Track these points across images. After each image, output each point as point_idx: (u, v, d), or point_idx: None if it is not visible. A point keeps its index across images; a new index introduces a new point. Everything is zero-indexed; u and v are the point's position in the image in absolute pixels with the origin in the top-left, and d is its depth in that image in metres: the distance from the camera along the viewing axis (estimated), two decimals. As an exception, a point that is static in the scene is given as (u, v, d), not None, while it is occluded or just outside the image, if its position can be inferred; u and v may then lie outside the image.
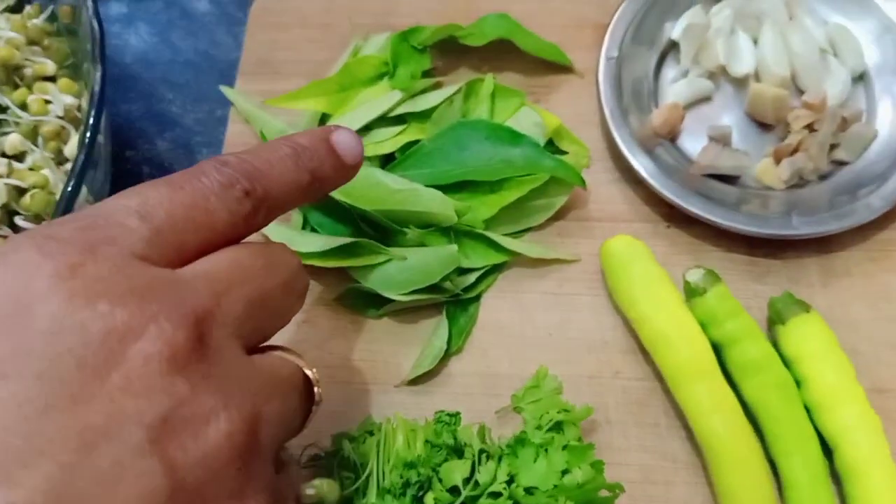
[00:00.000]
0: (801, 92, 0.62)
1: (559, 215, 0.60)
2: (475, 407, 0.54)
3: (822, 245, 0.58)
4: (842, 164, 0.60)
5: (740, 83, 0.63)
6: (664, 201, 0.58)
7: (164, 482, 0.25)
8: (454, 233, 0.57)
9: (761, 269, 0.58)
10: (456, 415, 0.51)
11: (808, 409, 0.52)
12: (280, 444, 0.34)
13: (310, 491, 0.42)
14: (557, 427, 0.50)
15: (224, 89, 0.64)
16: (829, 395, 0.51)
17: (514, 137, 0.59)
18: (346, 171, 0.39)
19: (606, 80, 0.61)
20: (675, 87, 0.62)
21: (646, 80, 0.63)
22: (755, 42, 0.63)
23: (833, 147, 0.60)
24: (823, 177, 0.60)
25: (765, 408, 0.51)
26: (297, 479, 0.45)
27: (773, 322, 0.54)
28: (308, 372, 0.36)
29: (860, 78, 0.62)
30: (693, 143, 0.61)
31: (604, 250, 0.57)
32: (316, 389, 0.36)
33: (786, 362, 0.53)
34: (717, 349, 0.53)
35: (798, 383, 0.52)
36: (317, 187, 0.37)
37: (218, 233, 0.32)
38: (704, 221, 0.57)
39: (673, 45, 0.64)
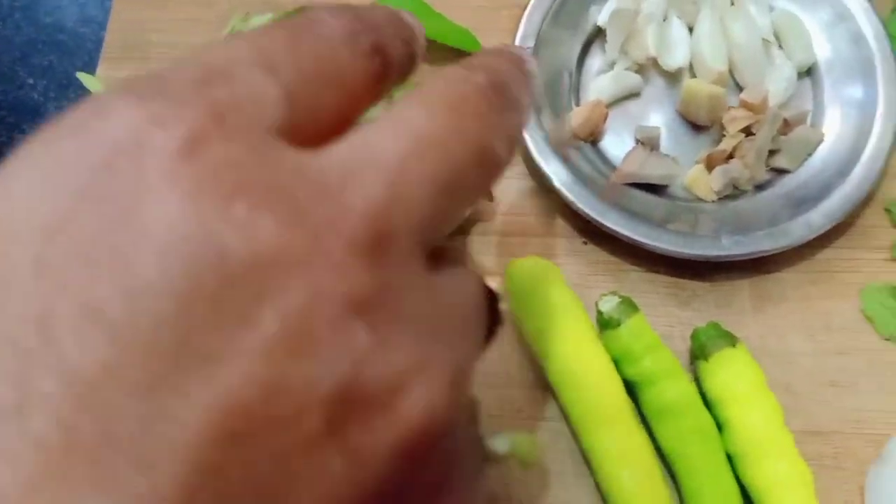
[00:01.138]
0: (741, 89, 0.54)
1: (466, 230, 0.53)
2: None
3: (755, 266, 0.51)
4: (783, 172, 0.53)
5: (673, 77, 0.56)
6: (581, 214, 0.51)
7: (345, 487, 0.17)
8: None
9: (687, 293, 0.51)
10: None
11: (731, 459, 0.46)
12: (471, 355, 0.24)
13: (503, 445, 0.32)
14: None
15: (82, 76, 0.56)
16: (753, 444, 0.45)
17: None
18: (527, 81, 0.27)
19: (520, 73, 0.53)
20: (599, 82, 0.55)
21: (566, 72, 0.56)
22: (691, 31, 0.56)
23: (773, 153, 0.53)
24: (762, 187, 0.53)
25: (681, 458, 0.45)
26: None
27: (696, 356, 0.48)
28: (492, 284, 0.26)
29: (808, 73, 0.55)
30: (618, 146, 0.54)
31: (508, 273, 0.49)
32: (502, 307, 0.26)
33: (708, 403, 0.47)
34: (633, 388, 0.47)
35: (721, 427, 0.46)
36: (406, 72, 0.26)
37: (354, 98, 0.22)
38: (624, 239, 0.50)
39: (599, 33, 0.56)
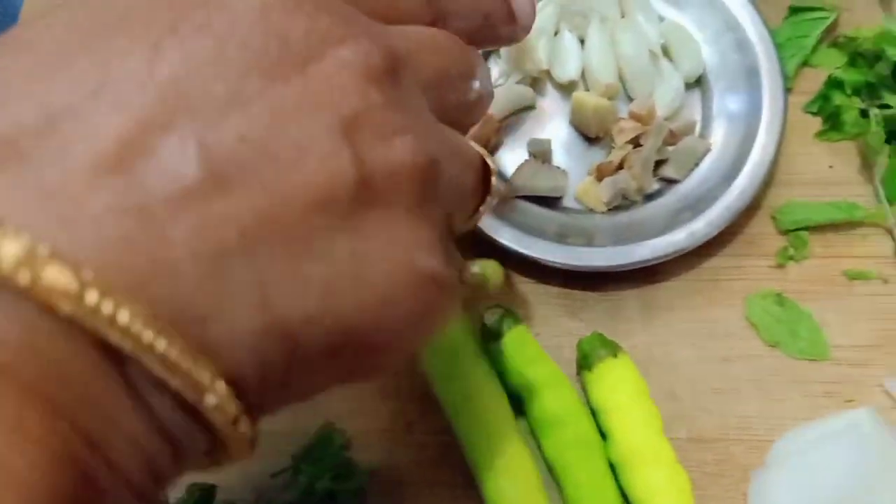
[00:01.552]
0: (633, 100, 0.55)
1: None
2: (250, 471, 0.48)
3: (644, 275, 0.52)
4: (672, 182, 0.54)
5: (567, 90, 0.56)
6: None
7: (351, 170, 0.24)
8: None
9: (577, 304, 0.52)
10: (210, 488, 0.45)
11: (614, 468, 0.46)
12: (451, 217, 0.31)
13: (475, 269, 0.39)
14: (331, 498, 0.44)
15: None
16: (633, 453, 0.46)
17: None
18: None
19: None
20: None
21: (461, 86, 0.56)
22: (583, 43, 0.56)
23: (662, 163, 0.54)
24: (652, 197, 0.54)
25: (563, 468, 0.46)
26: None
27: (580, 367, 0.49)
28: (488, 161, 0.33)
29: (698, 83, 0.56)
30: (512, 158, 0.55)
31: (397, 287, 0.50)
32: (493, 179, 0.34)
33: (595, 413, 0.48)
34: (519, 400, 0.48)
35: (605, 436, 0.47)
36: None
37: (400, 10, 0.30)
38: (513, 253, 0.51)
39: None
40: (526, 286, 0.52)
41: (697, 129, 0.55)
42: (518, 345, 0.47)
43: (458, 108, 0.31)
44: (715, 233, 0.50)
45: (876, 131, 0.51)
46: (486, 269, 0.39)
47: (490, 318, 0.48)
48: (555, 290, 0.52)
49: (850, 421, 0.45)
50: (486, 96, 0.33)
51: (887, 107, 0.52)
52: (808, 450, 0.45)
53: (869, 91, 0.53)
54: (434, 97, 0.29)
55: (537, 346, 0.48)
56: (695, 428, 0.49)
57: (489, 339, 0.48)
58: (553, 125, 0.56)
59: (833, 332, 0.50)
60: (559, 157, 0.55)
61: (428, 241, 0.26)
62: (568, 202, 0.54)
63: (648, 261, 0.50)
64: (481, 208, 0.34)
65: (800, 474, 0.45)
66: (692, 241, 0.50)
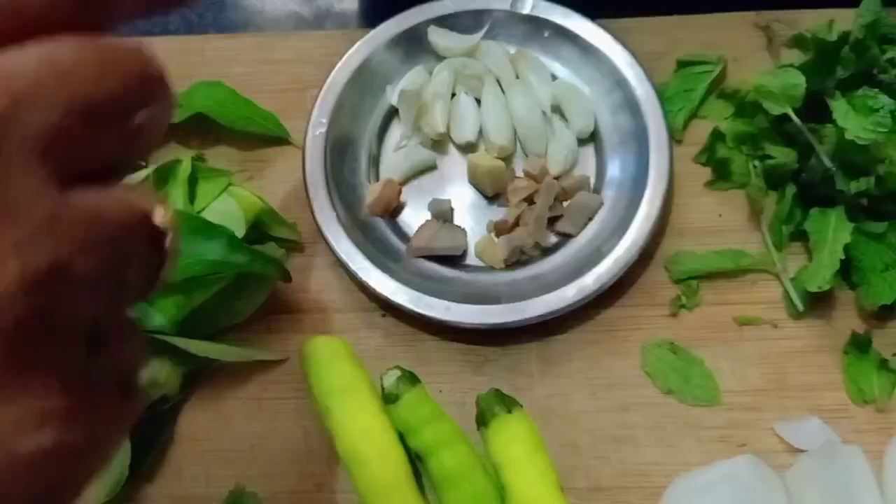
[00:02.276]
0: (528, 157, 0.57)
1: (267, 308, 0.55)
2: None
3: (543, 329, 0.54)
4: (568, 236, 0.56)
5: (467, 150, 0.58)
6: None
7: None
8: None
9: (480, 359, 0.54)
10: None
11: (513, 521, 0.48)
12: (106, 310, 0.24)
13: (147, 375, 0.32)
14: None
15: None
16: (529, 507, 0.47)
17: (208, 230, 0.53)
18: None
19: (314, 155, 0.56)
20: (393, 160, 0.57)
21: (364, 150, 0.58)
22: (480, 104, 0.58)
23: (557, 219, 0.56)
24: (550, 251, 0.56)
25: (462, 524, 0.47)
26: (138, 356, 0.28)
27: (478, 423, 0.50)
28: (157, 216, 0.24)
29: (592, 139, 0.58)
30: (417, 218, 0.57)
31: (303, 352, 0.52)
32: (167, 239, 0.24)
33: (495, 468, 0.49)
34: (420, 459, 0.49)
35: (504, 491, 0.48)
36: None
37: (28, 17, 0.22)
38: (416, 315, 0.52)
39: (397, 110, 0.59)
40: (431, 343, 0.54)
41: (592, 183, 0.57)
42: (415, 406, 0.49)
43: (110, 149, 0.23)
44: (604, 288, 0.52)
45: (755, 183, 0.53)
46: (161, 371, 0.32)
47: (388, 380, 0.49)
48: (459, 346, 0.54)
49: (728, 469, 0.47)
50: (156, 124, 0.23)
51: (769, 157, 0.54)
52: (693, 497, 0.47)
53: (752, 142, 0.55)
54: (76, 139, 0.21)
55: (434, 405, 0.50)
56: (593, 477, 0.50)
57: (387, 402, 0.49)
58: (455, 185, 0.58)
59: (725, 378, 0.52)
60: (461, 216, 0.57)
61: (25, 416, 0.20)
62: (470, 260, 0.56)
63: (542, 316, 0.51)
64: (157, 280, 0.25)
65: (686, 521, 0.46)
66: (582, 295, 0.52)
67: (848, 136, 0.49)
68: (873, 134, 0.48)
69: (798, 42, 0.59)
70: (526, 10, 0.59)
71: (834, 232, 0.51)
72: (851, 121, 0.49)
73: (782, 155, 0.53)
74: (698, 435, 0.51)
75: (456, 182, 0.58)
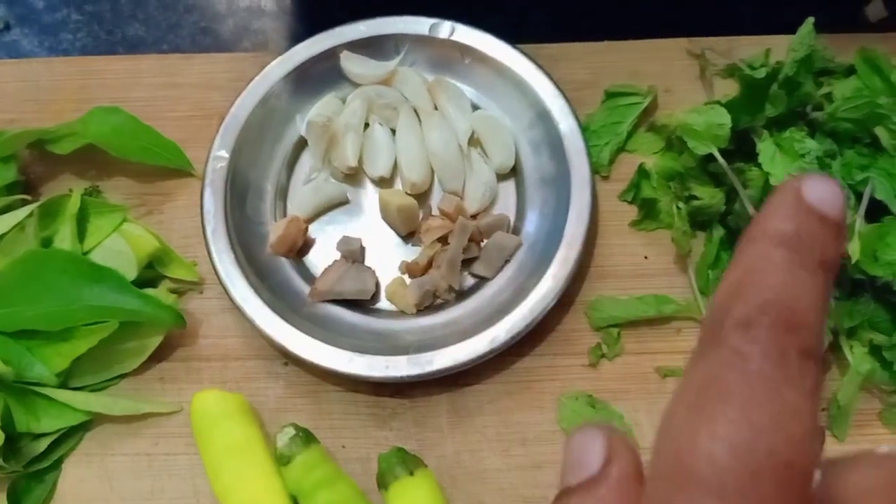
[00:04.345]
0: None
1: (161, 355, 0.51)
2: None
3: (453, 380, 0.50)
4: (485, 279, 0.52)
5: (383, 184, 0.55)
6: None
7: None
8: (11, 391, 0.48)
9: (387, 412, 0.50)
10: None
11: (412, 591, 0.45)
12: None
13: None
14: None
15: None
16: (428, 579, 0.44)
17: (94, 273, 0.49)
18: (841, 234, 0.23)
19: (214, 191, 0.52)
20: (301, 195, 0.54)
21: (270, 184, 0.54)
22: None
23: (472, 261, 0.52)
24: (466, 294, 0.52)
25: None
26: None
27: (380, 485, 0.47)
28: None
29: (513, 173, 0.55)
30: (326, 258, 0.53)
31: (192, 407, 0.48)
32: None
33: (395, 532, 0.46)
34: (316, 523, 0.46)
35: (404, 559, 0.45)
36: (833, 277, 0.23)
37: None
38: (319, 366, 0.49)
39: (307, 142, 0.55)
40: (335, 394, 0.51)
41: (512, 222, 0.54)
42: (309, 468, 0.45)
43: None
44: (517, 338, 0.49)
45: (679, 226, 0.50)
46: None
47: (281, 440, 0.46)
48: (365, 398, 0.51)
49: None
50: None
51: (695, 198, 0.51)
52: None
53: (679, 180, 0.52)
54: None
55: (331, 466, 0.46)
56: (502, 541, 0.47)
57: (281, 463, 0.46)
58: (370, 221, 0.54)
59: (645, 434, 0.49)
60: (373, 256, 0.53)
61: None
62: (383, 303, 0.52)
63: (450, 369, 0.48)
64: None
65: None
66: (493, 346, 0.48)
67: (773, 181, 0.46)
68: (798, 181, 0.45)
69: (731, 72, 0.56)
70: (445, 35, 0.55)
71: (759, 281, 0.48)
72: (778, 165, 0.46)
73: (709, 196, 0.50)
74: (614, 495, 0.48)
75: (371, 218, 0.54)
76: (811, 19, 0.49)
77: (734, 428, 0.19)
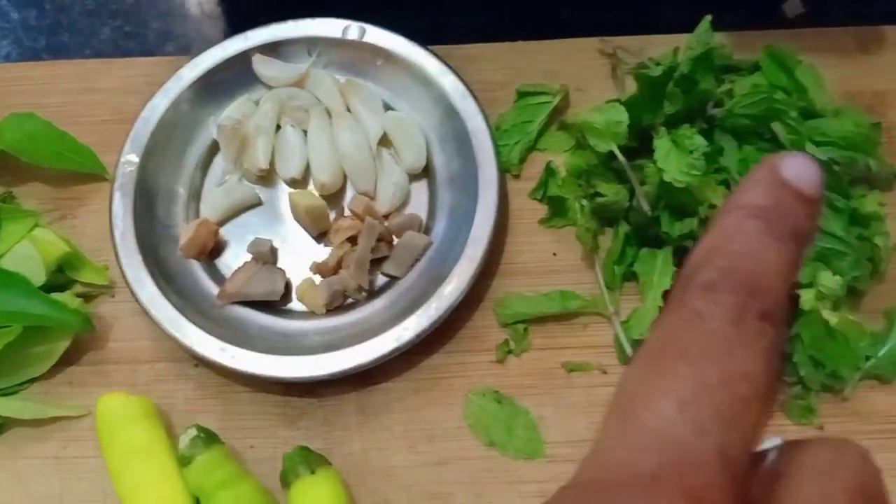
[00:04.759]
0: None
1: (71, 359, 0.51)
2: None
3: (362, 378, 0.51)
4: (396, 278, 0.53)
5: (297, 185, 0.55)
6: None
7: None
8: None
9: (296, 412, 0.51)
10: None
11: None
12: None
13: None
14: None
15: None
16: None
17: (2, 278, 0.49)
18: (816, 209, 0.24)
19: (123, 195, 0.52)
20: (212, 197, 0.54)
21: (183, 187, 0.55)
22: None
23: (382, 260, 0.53)
24: (377, 293, 0.53)
25: None
26: None
27: (283, 484, 0.47)
28: None
29: (425, 173, 0.55)
30: (238, 260, 0.53)
31: (97, 410, 0.48)
32: None
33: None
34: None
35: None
36: (803, 250, 0.24)
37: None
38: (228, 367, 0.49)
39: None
40: (244, 395, 0.51)
41: (424, 221, 0.54)
42: (210, 468, 0.46)
43: None
44: (423, 336, 0.49)
45: (583, 222, 0.51)
46: None
47: (183, 441, 0.46)
48: (274, 398, 0.51)
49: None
50: None
51: (600, 195, 0.52)
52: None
53: (586, 177, 0.53)
54: None
55: (233, 467, 0.46)
56: (408, 537, 0.48)
57: (182, 464, 0.46)
58: (283, 223, 0.55)
59: (550, 429, 0.50)
60: (287, 257, 0.54)
61: None
62: (295, 304, 0.53)
63: (357, 368, 0.48)
64: None
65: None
66: (399, 344, 0.49)
67: (666, 177, 0.46)
68: (688, 177, 0.45)
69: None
70: (356, 37, 0.56)
71: (658, 276, 0.49)
72: (671, 162, 0.47)
73: (612, 193, 0.51)
74: (519, 490, 0.49)
75: (285, 220, 0.55)
76: (708, 17, 0.50)
77: (683, 384, 0.20)
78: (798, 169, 0.23)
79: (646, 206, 0.48)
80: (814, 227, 0.24)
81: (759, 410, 0.20)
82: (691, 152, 0.45)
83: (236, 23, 0.66)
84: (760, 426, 0.21)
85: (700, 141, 0.46)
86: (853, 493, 0.21)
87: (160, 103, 0.54)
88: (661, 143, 0.48)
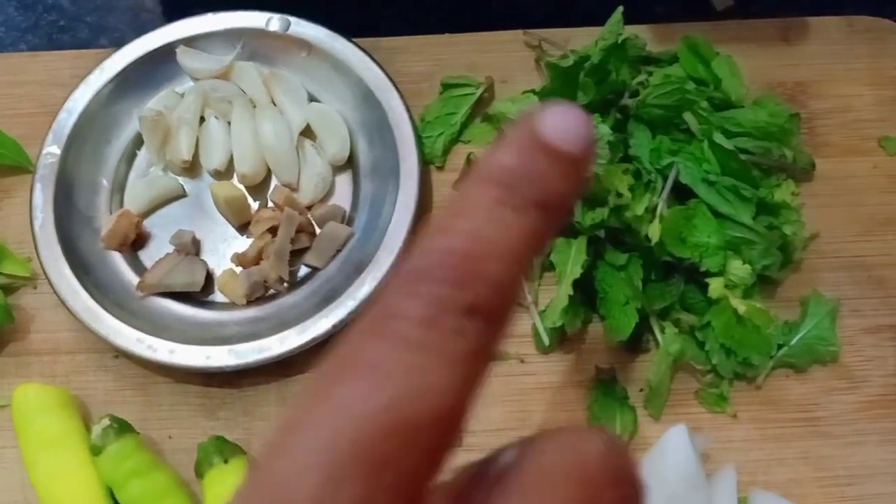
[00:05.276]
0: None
1: None
2: None
3: (282, 369, 0.51)
4: (318, 269, 0.53)
5: (222, 177, 0.55)
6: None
7: None
8: None
9: (216, 402, 0.51)
10: None
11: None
12: None
13: None
14: None
15: None
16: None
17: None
18: (577, 169, 0.19)
19: (44, 186, 0.52)
20: (133, 190, 0.54)
21: (107, 178, 0.55)
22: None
23: (305, 251, 0.53)
24: (299, 284, 0.53)
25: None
26: None
27: (197, 473, 0.48)
28: None
29: (350, 165, 0.56)
30: (162, 252, 0.53)
31: (13, 401, 0.48)
32: None
33: (214, 519, 0.47)
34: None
35: (220, 545, 0.46)
36: (554, 220, 0.19)
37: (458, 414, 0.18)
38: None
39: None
40: (164, 386, 0.51)
41: (347, 212, 0.54)
42: (122, 458, 0.46)
43: None
44: (340, 328, 0.49)
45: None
46: None
47: (95, 431, 0.47)
48: (194, 389, 0.51)
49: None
50: None
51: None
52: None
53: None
54: None
55: (146, 456, 0.47)
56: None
57: (94, 454, 0.46)
58: (207, 215, 0.55)
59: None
60: (209, 249, 0.54)
61: None
62: (216, 295, 0.53)
63: (272, 358, 0.49)
64: None
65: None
66: (314, 336, 0.49)
67: (576, 167, 0.47)
68: (594, 166, 0.46)
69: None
70: (280, 30, 0.56)
71: (571, 264, 0.49)
72: (582, 151, 0.47)
73: (531, 183, 0.51)
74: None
75: (209, 212, 0.55)
76: (620, 8, 0.50)
77: (330, 416, 0.16)
78: (557, 122, 0.19)
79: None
80: (572, 190, 0.19)
81: (446, 432, 0.17)
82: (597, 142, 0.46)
83: (171, 16, 0.66)
84: (448, 449, 0.17)
85: (605, 129, 0.46)
86: (582, 493, 0.17)
87: (83, 95, 0.54)
88: (573, 134, 0.48)
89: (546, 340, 0.50)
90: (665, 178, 0.49)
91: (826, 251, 0.53)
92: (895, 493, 0.48)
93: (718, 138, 0.48)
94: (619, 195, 0.47)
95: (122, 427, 0.47)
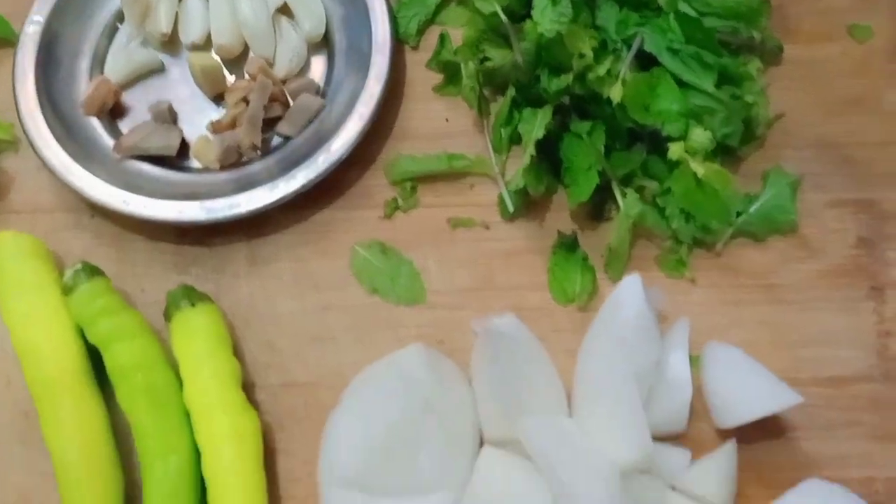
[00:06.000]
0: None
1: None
2: None
3: (252, 228, 0.52)
4: (290, 138, 0.54)
5: (198, 50, 0.57)
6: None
7: None
8: None
9: (187, 260, 0.52)
10: None
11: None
12: None
13: None
14: None
15: None
16: (202, 401, 0.46)
17: None
18: None
19: (26, 54, 0.54)
20: (112, 60, 0.56)
21: (88, 49, 0.56)
22: (212, 6, 0.57)
23: (277, 120, 0.54)
24: (271, 152, 0.54)
25: (132, 415, 0.46)
26: None
27: (166, 318, 0.49)
28: None
29: (326, 45, 0.57)
30: (141, 122, 0.55)
31: (-11, 248, 0.50)
32: None
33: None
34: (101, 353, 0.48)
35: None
36: None
37: None
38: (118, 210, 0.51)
39: (128, 11, 0.58)
40: (139, 244, 0.53)
41: (322, 88, 0.56)
42: (91, 297, 0.47)
43: None
44: (309, 186, 0.51)
45: (467, 84, 0.53)
46: None
47: (67, 274, 0.48)
48: (167, 246, 0.53)
49: (394, 358, 0.46)
50: None
51: (488, 59, 0.53)
52: (363, 387, 0.46)
53: (477, 44, 0.54)
54: None
55: (114, 298, 0.48)
56: (289, 376, 0.49)
57: (65, 293, 0.48)
58: (186, 87, 0.56)
59: (433, 279, 0.51)
60: (187, 119, 0.55)
61: None
62: (191, 162, 0.55)
63: (240, 215, 0.50)
64: None
65: (356, 410, 0.45)
66: (284, 193, 0.50)
67: (539, 29, 0.48)
68: (557, 24, 0.47)
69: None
70: (262, -89, 0.57)
71: (536, 129, 0.50)
72: (546, 15, 0.48)
73: (500, 57, 0.52)
74: (398, 334, 0.50)
75: (187, 85, 0.56)
76: None
77: None
78: None
79: (519, 58, 0.49)
80: None
81: None
82: (557, 3, 0.47)
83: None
84: None
85: (568, -12, 0.47)
86: None
87: (70, -35, 0.56)
88: (539, 1, 0.49)
89: (510, 206, 0.51)
90: (630, 47, 0.50)
91: (792, 130, 0.54)
92: (852, 357, 0.49)
93: (683, 6, 0.49)
94: (582, 56, 0.48)
95: (93, 270, 0.48)
